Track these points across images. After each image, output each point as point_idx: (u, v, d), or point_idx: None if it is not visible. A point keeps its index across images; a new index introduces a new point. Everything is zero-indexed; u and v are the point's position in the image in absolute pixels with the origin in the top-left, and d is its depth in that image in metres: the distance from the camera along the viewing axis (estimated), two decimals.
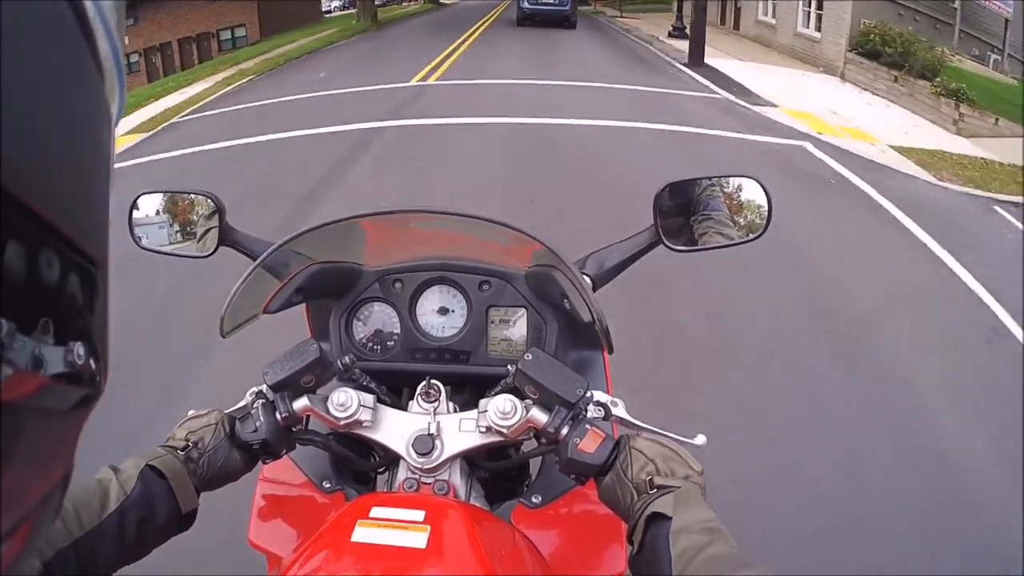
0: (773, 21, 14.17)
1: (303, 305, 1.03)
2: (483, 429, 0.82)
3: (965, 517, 2.28)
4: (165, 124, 7.99)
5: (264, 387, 0.81)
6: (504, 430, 0.79)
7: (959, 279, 4.03)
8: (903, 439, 2.63)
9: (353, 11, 20.78)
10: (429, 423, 0.83)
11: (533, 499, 0.88)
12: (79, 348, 0.23)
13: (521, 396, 0.80)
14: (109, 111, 0.25)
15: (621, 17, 20.19)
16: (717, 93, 9.14)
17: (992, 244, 4.81)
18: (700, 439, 0.76)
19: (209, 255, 1.05)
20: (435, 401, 0.87)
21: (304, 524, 0.90)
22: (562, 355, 0.97)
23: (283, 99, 8.73)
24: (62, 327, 0.22)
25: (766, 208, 1.00)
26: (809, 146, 6.61)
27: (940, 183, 5.93)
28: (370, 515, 0.69)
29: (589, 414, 0.77)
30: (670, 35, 14.46)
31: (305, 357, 0.79)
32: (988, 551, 2.15)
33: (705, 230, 1.01)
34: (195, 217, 1.06)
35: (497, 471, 0.94)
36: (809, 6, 12.51)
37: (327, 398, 0.81)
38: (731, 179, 1.02)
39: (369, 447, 0.93)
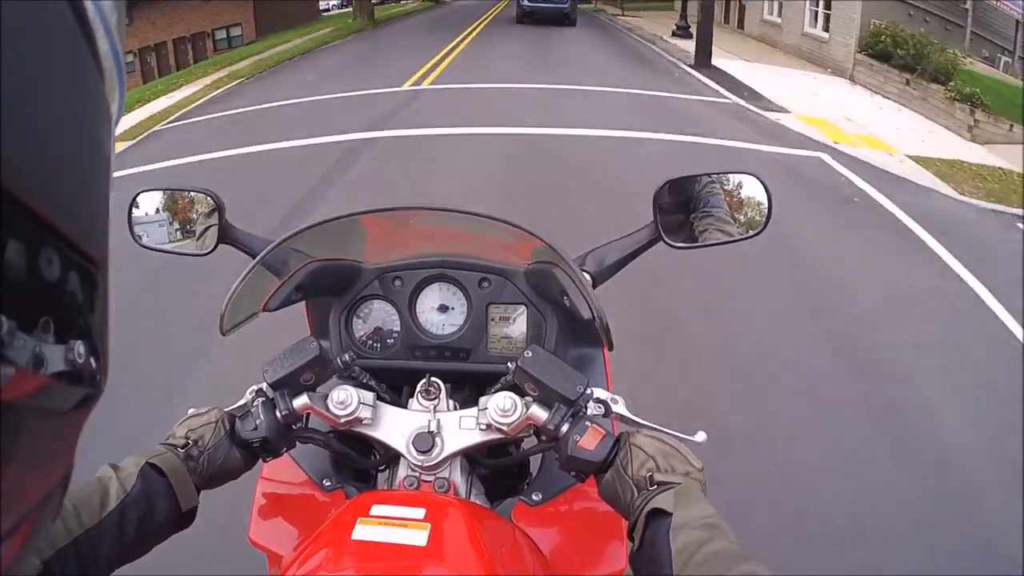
0: (779, 20, 13.98)
1: (303, 303, 1.03)
2: (483, 426, 0.82)
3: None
4: (148, 132, 7.65)
5: (264, 385, 0.81)
6: (504, 427, 0.79)
7: (990, 310, 3.74)
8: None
9: (351, 9, 20.66)
10: (429, 421, 0.83)
11: (533, 496, 0.89)
12: (79, 347, 0.23)
13: (521, 393, 0.80)
14: (109, 111, 0.25)
15: (623, 15, 20.05)
16: (727, 98, 8.84)
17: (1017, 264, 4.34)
18: (700, 436, 0.76)
19: (209, 253, 1.05)
20: (435, 399, 0.87)
21: (304, 522, 0.90)
22: (562, 352, 0.98)
23: (269, 105, 8.33)
24: (62, 325, 0.22)
25: (766, 205, 1.00)
26: (827, 157, 6.32)
27: (962, 198, 5.70)
28: (370, 513, 0.69)
29: (589, 411, 0.77)
30: (674, 34, 14.31)
31: (305, 355, 0.79)
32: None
33: (705, 227, 1.00)
34: (194, 215, 1.06)
35: (497, 469, 0.94)
36: (817, 5, 12.29)
37: (327, 396, 0.81)
38: (731, 176, 1.02)
39: (369, 445, 0.93)
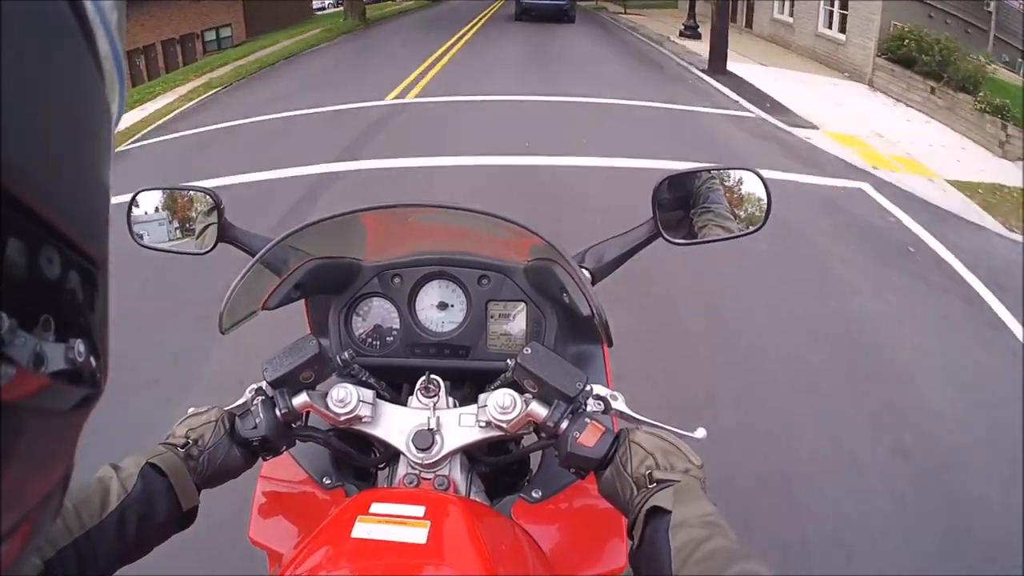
0: (790, 20, 13.26)
1: (302, 301, 1.03)
2: (483, 424, 0.82)
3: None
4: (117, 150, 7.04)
5: (263, 383, 0.81)
6: (504, 424, 0.79)
7: None
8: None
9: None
10: (429, 418, 0.83)
11: (533, 494, 0.89)
12: (80, 345, 0.23)
13: (521, 390, 0.80)
14: (109, 111, 0.25)
15: (625, 14, 19.52)
16: (749, 111, 7.94)
17: None
18: (700, 432, 0.76)
19: (208, 251, 1.05)
20: (435, 396, 0.87)
21: (304, 521, 0.90)
22: (561, 349, 0.98)
23: (234, 123, 7.44)
24: (63, 324, 0.22)
25: (766, 201, 1.00)
26: (869, 188, 5.51)
27: (1008, 234, 5.07)
28: (370, 511, 0.69)
29: (589, 408, 0.77)
30: (681, 35, 13.72)
31: (304, 353, 0.79)
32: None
33: (705, 223, 1.00)
34: (194, 214, 1.06)
35: (497, 466, 0.94)
36: (832, 5, 11.51)
37: (326, 394, 0.81)
38: (731, 172, 1.02)
39: (369, 443, 0.94)
